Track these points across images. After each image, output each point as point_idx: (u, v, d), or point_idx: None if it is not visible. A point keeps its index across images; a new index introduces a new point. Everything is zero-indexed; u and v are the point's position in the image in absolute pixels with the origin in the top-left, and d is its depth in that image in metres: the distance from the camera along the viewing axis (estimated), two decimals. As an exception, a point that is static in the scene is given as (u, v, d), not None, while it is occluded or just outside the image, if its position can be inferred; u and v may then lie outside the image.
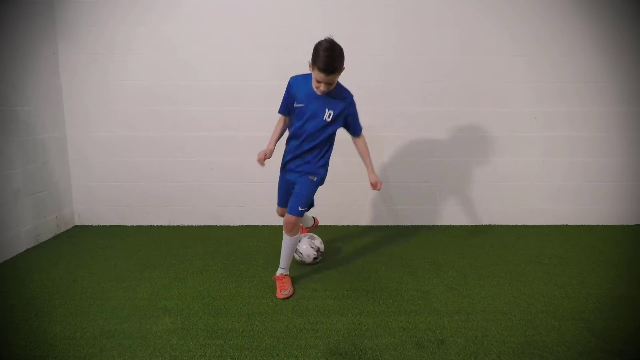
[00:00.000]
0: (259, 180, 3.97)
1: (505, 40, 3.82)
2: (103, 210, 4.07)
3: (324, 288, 2.75)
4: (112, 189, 4.03)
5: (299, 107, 2.60)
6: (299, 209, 2.63)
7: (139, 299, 2.59)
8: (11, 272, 3.03)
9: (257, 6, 3.76)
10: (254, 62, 3.83)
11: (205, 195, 4.05)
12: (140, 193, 4.04)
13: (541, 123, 3.94)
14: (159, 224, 4.10)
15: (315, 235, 3.15)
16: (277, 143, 2.77)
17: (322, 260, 3.16)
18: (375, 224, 4.11)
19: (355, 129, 2.78)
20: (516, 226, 4.07)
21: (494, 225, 4.08)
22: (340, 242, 3.64)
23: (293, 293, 2.67)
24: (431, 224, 4.13)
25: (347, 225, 4.11)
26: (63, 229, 3.91)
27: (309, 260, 3.06)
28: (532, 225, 4.08)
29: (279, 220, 4.01)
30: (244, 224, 4.11)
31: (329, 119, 2.61)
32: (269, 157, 2.69)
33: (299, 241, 3.03)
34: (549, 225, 4.09)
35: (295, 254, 3.01)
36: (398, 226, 4.09)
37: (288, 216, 2.63)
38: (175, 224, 4.11)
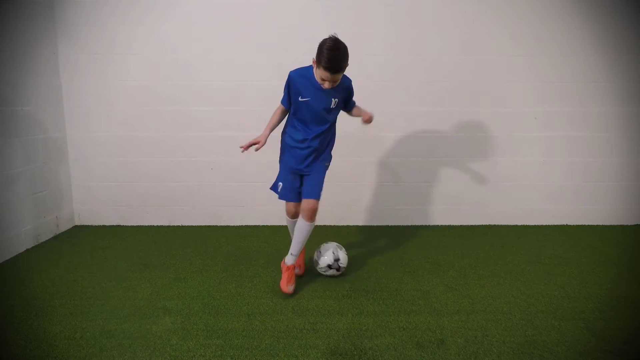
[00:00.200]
0: (259, 180, 3.97)
1: (505, 40, 3.82)
2: (103, 210, 4.07)
3: (324, 288, 2.75)
4: (112, 189, 4.03)
5: (305, 100, 2.59)
6: (320, 193, 2.68)
7: (139, 299, 2.59)
8: (11, 272, 3.03)
9: (257, 6, 3.76)
10: (254, 62, 3.83)
11: (205, 195, 4.05)
12: (140, 193, 4.04)
13: (541, 123, 3.95)
14: (159, 224, 4.10)
15: (343, 247, 2.97)
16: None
17: (336, 276, 2.92)
18: (375, 224, 4.11)
19: (352, 105, 2.82)
20: (516, 226, 4.07)
21: (494, 225, 4.08)
22: (341, 242, 3.63)
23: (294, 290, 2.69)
24: (431, 224, 4.13)
25: (347, 225, 4.11)
26: (63, 229, 3.91)
27: (323, 263, 2.84)
28: (532, 225, 4.08)
29: (278, 220, 4.03)
30: (244, 224, 4.11)
31: (334, 106, 2.65)
32: (264, 144, 2.63)
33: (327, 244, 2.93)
34: (549, 225, 4.09)
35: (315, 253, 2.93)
36: (398, 226, 4.09)
37: (311, 202, 2.64)
38: (175, 224, 4.11)
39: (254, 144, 2.63)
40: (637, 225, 4.07)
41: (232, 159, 3.98)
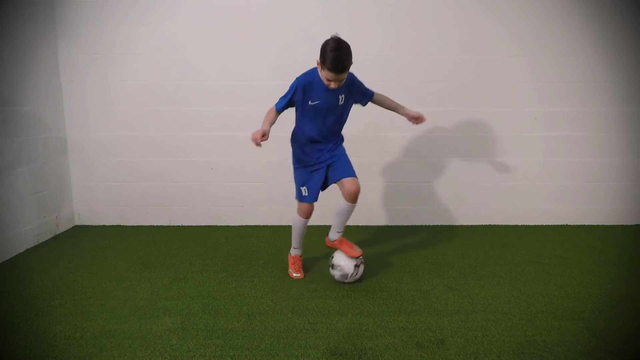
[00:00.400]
0: (259, 180, 3.97)
1: (505, 40, 3.82)
2: (103, 210, 4.07)
3: (324, 288, 2.75)
4: (112, 189, 4.03)
5: (315, 104, 2.61)
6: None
7: (139, 299, 2.59)
8: (11, 272, 3.03)
9: (257, 6, 3.77)
10: (254, 62, 3.83)
11: (205, 195, 4.05)
12: (140, 193, 4.04)
13: (541, 123, 3.94)
14: (159, 224, 4.10)
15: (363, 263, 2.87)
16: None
17: (350, 283, 2.82)
18: (376, 224, 4.11)
19: (366, 94, 2.81)
20: (516, 226, 4.07)
21: (494, 225, 4.08)
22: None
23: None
24: (431, 224, 4.13)
25: (347, 225, 4.07)
26: (63, 229, 3.91)
27: (350, 270, 2.74)
28: (532, 225, 4.08)
29: (279, 220, 4.03)
30: (244, 224, 4.11)
31: (342, 102, 2.68)
32: (266, 139, 2.51)
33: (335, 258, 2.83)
34: (549, 225, 4.09)
35: (333, 270, 2.80)
36: (398, 226, 4.09)
37: (355, 182, 2.67)
38: (175, 224, 4.11)
39: (263, 134, 2.49)
40: (637, 225, 4.07)
41: (232, 159, 3.98)
